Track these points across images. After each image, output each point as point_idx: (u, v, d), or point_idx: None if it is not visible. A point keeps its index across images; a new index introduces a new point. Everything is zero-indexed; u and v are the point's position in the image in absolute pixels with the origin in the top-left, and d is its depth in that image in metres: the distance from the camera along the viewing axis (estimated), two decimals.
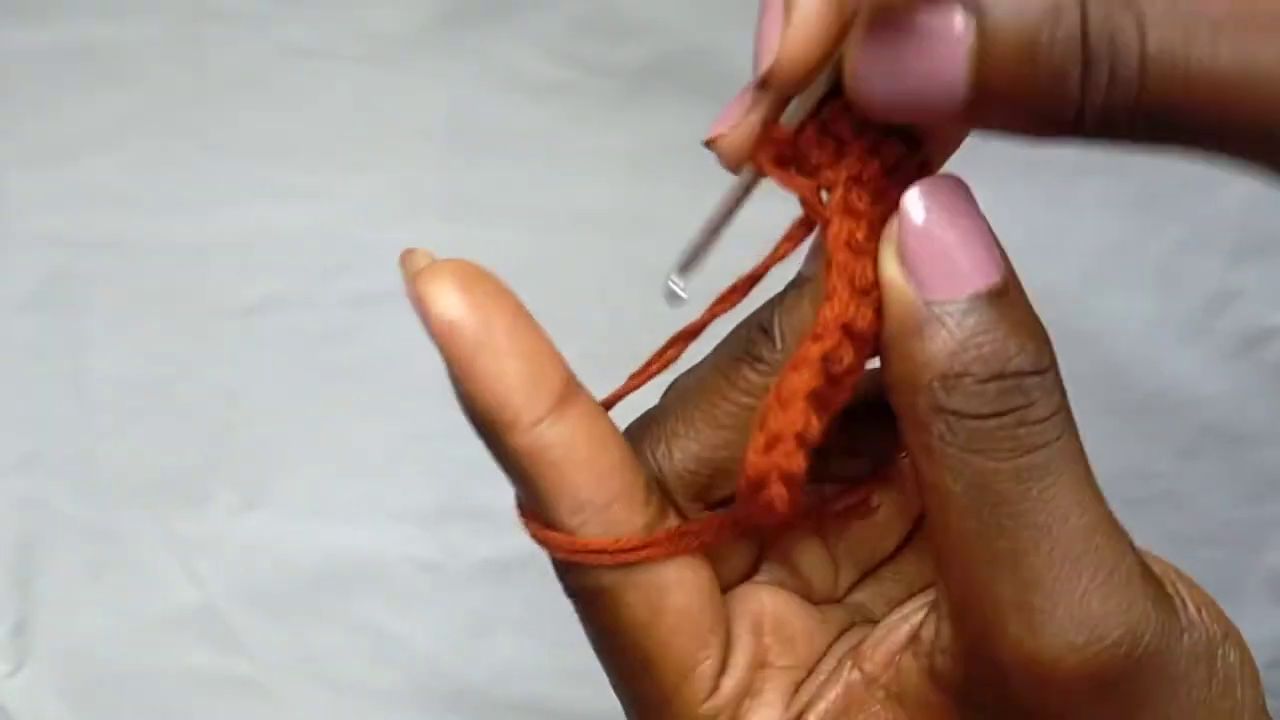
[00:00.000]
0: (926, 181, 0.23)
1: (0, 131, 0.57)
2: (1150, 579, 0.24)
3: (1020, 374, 0.22)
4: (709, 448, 0.26)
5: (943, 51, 0.21)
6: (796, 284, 0.26)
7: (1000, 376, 0.22)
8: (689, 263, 0.25)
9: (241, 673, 0.60)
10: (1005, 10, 0.20)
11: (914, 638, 0.26)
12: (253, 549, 0.59)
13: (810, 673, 0.27)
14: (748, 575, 0.28)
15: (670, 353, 0.27)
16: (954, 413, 0.23)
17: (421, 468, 0.59)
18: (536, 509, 0.25)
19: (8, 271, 0.58)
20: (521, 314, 0.24)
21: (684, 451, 0.26)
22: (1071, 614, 0.23)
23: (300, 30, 0.56)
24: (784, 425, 0.23)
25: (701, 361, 0.27)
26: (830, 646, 0.28)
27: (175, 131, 0.57)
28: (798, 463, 0.23)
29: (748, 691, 0.26)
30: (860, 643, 0.26)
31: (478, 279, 0.24)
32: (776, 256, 0.25)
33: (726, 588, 0.27)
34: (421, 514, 0.59)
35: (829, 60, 0.23)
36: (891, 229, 0.23)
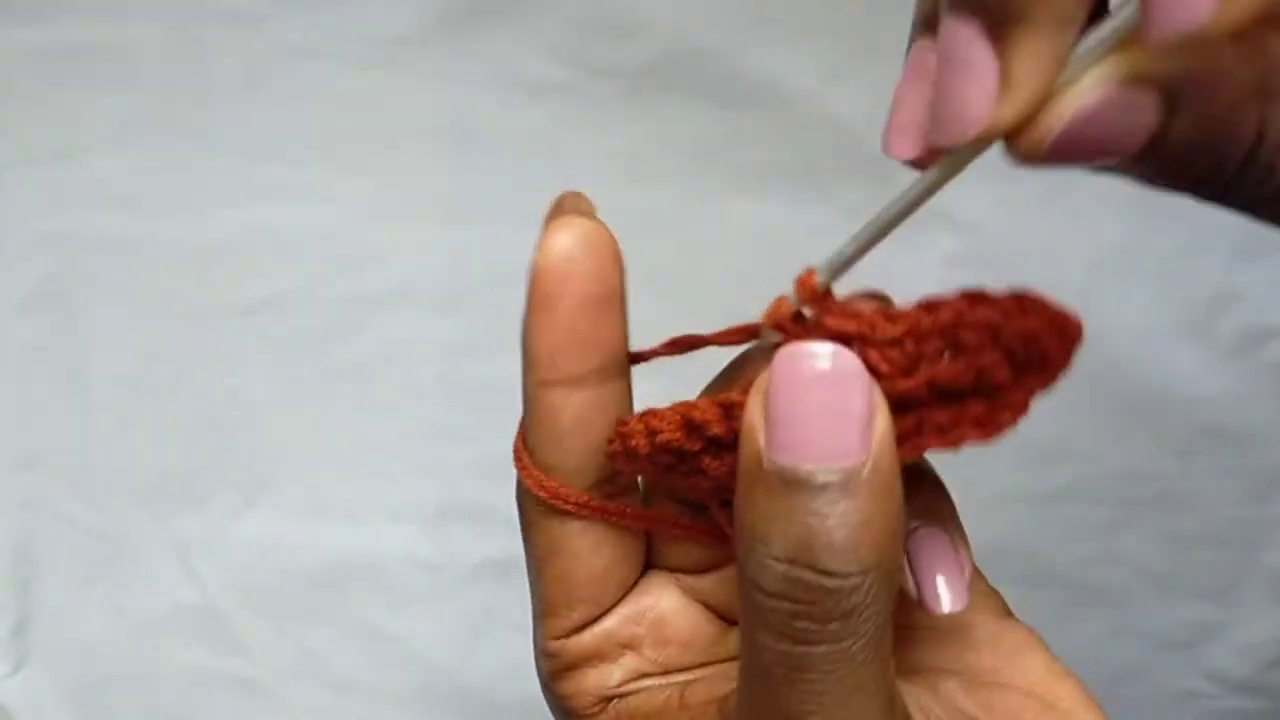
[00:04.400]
0: (803, 344, 0.22)
1: (0, 131, 0.57)
2: None
3: (816, 569, 0.21)
4: None
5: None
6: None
7: (793, 562, 0.21)
8: (841, 267, 0.25)
9: (241, 673, 0.60)
10: None
11: (726, 698, 0.27)
12: (253, 549, 0.59)
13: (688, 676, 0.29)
14: (691, 572, 0.29)
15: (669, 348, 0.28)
16: (745, 574, 0.22)
17: (421, 468, 0.59)
18: (525, 435, 0.27)
19: (8, 271, 0.58)
20: (606, 296, 0.25)
21: None
22: None
23: (300, 30, 0.56)
24: (654, 416, 0.25)
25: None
26: (722, 663, 0.29)
27: (175, 131, 0.57)
28: (636, 442, 0.26)
29: (597, 655, 0.28)
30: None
31: (599, 247, 0.25)
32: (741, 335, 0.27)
33: (673, 570, 0.29)
34: (421, 514, 0.59)
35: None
36: (764, 373, 0.22)
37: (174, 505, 0.59)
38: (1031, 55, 0.21)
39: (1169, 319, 0.58)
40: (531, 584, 0.29)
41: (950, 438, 0.22)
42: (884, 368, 0.22)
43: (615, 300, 0.26)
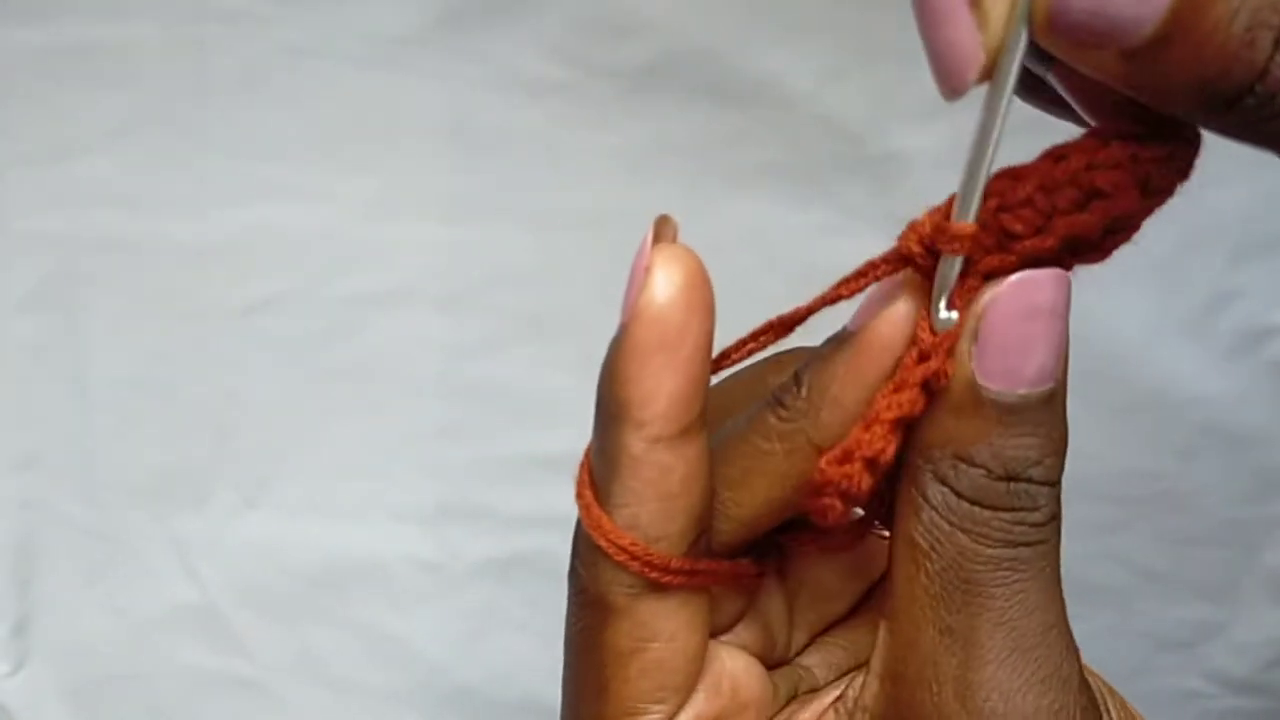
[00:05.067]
0: (1028, 273, 0.23)
1: (0, 131, 0.57)
2: (1085, 689, 0.25)
3: (1032, 482, 0.23)
4: (718, 486, 0.25)
5: None
6: (836, 339, 0.25)
7: (1014, 479, 0.23)
8: (972, 210, 0.23)
9: (241, 673, 0.60)
10: None
11: (840, 696, 0.26)
12: (253, 549, 0.59)
13: None
14: (726, 629, 0.28)
15: (764, 339, 0.27)
16: (957, 491, 0.23)
17: (421, 468, 0.59)
18: (601, 496, 0.25)
19: (8, 271, 0.58)
20: (708, 341, 0.24)
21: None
22: (1006, 700, 0.23)
23: (300, 30, 0.56)
24: (860, 444, 0.23)
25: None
26: (778, 714, 0.28)
27: (175, 131, 0.57)
28: (862, 482, 0.23)
29: None
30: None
31: (702, 286, 0.23)
32: (874, 277, 0.24)
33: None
34: (421, 514, 0.59)
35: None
36: (979, 302, 0.23)
37: (174, 505, 0.59)
38: None
39: (1169, 319, 0.58)
40: (591, 689, 0.25)
41: (1068, 265, 0.23)
42: (1018, 228, 0.22)
43: (711, 336, 0.24)
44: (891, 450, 0.23)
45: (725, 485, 0.26)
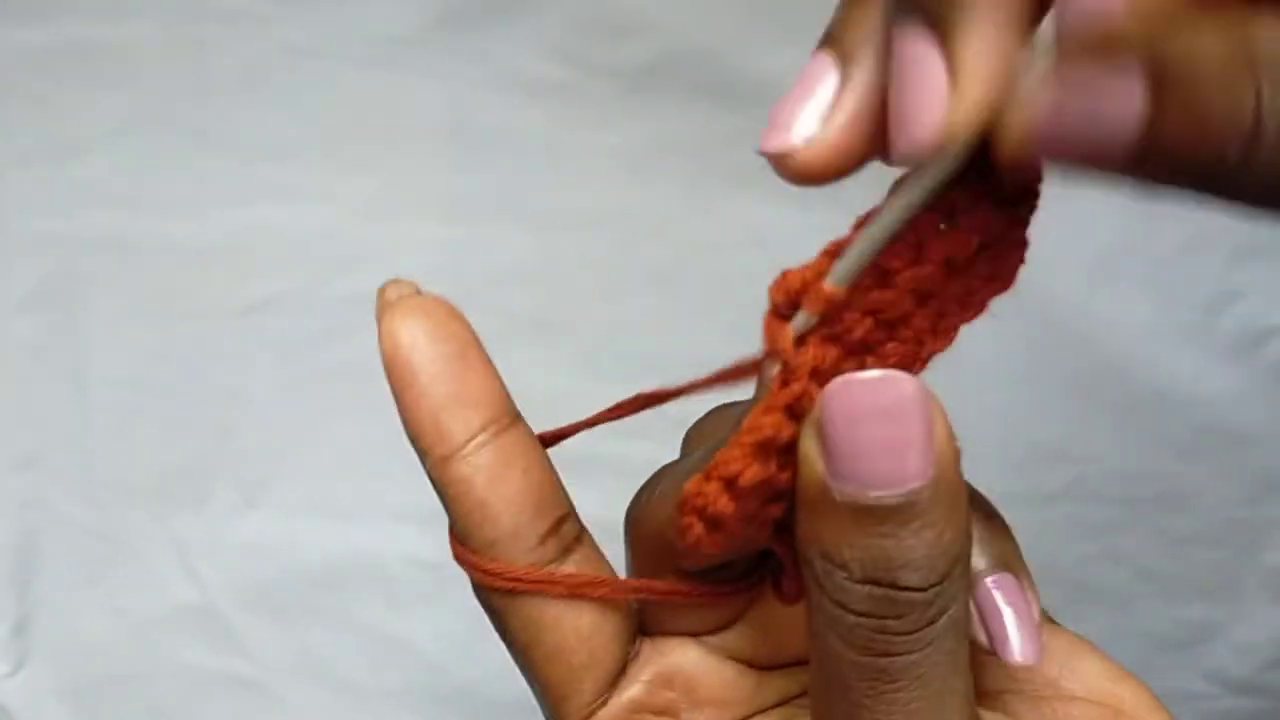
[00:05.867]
0: (855, 376, 0.21)
1: (0, 131, 0.57)
2: None
3: (897, 587, 0.22)
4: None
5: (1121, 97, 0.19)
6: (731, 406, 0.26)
7: (875, 583, 0.22)
8: (847, 277, 0.23)
9: (241, 673, 0.60)
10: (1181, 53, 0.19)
11: None
12: (253, 549, 0.59)
13: None
14: (710, 633, 0.28)
15: (627, 407, 0.27)
16: (824, 591, 0.22)
17: (421, 468, 0.59)
18: (455, 532, 0.27)
19: (8, 271, 0.58)
20: (464, 351, 0.26)
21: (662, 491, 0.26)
22: None
23: (300, 30, 0.56)
24: (719, 464, 0.23)
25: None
26: (764, 712, 0.28)
27: (175, 131, 0.57)
28: (721, 505, 0.23)
29: None
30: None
31: (433, 310, 0.26)
32: (742, 373, 0.24)
33: (681, 636, 0.28)
34: (421, 514, 0.59)
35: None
36: (818, 404, 0.22)
37: (174, 505, 0.59)
38: (976, 47, 0.20)
39: (1169, 319, 0.58)
40: (529, 681, 0.28)
41: (977, 301, 0.23)
42: (895, 263, 0.22)
43: (472, 350, 0.26)
44: (750, 474, 0.22)
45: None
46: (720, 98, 0.56)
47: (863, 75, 0.22)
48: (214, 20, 0.56)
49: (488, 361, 0.27)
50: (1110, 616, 0.60)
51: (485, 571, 0.26)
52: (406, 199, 0.58)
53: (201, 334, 0.58)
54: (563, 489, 0.27)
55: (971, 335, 0.24)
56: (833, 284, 0.22)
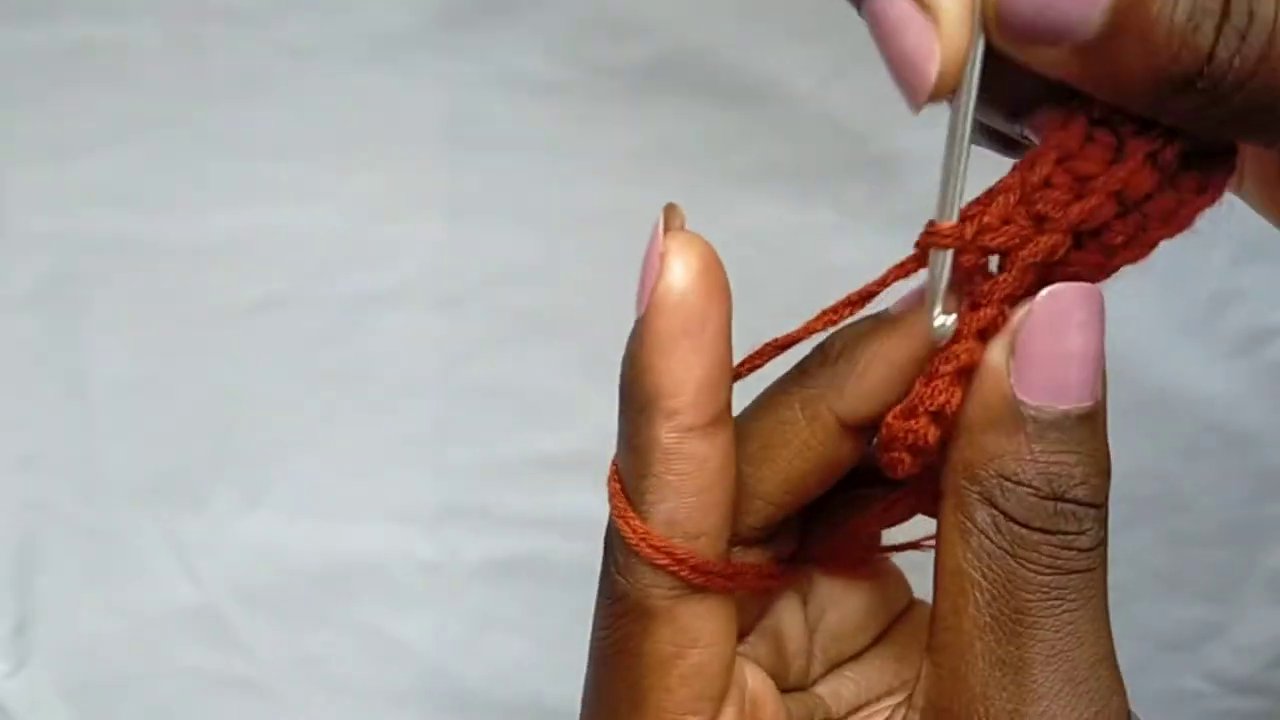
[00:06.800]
0: (1063, 286, 0.23)
1: (0, 131, 0.57)
2: None
3: (1078, 503, 0.23)
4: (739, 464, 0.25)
5: None
6: (876, 318, 0.25)
7: (1060, 499, 0.23)
8: (947, 205, 0.23)
9: (241, 673, 0.60)
10: None
11: None
12: (253, 549, 0.59)
13: None
14: (740, 638, 0.27)
15: (761, 356, 0.26)
16: (1005, 513, 0.23)
17: (421, 468, 0.59)
18: (634, 496, 0.24)
19: (8, 271, 0.58)
20: (729, 324, 0.23)
21: None
22: None
23: (300, 30, 0.56)
24: (924, 398, 0.23)
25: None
26: None
27: (175, 131, 0.57)
28: (928, 434, 0.23)
29: None
30: None
31: (718, 271, 0.23)
32: (885, 283, 0.24)
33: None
34: (421, 514, 0.59)
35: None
36: (1015, 318, 0.23)
37: (174, 505, 0.59)
38: None
39: (1169, 319, 0.58)
40: (626, 700, 0.24)
41: (1184, 215, 0.23)
42: (1051, 210, 0.22)
43: (730, 322, 0.23)
44: (956, 401, 0.23)
45: (746, 462, 0.25)
46: (721, 98, 0.56)
47: None
48: (214, 20, 0.56)
49: (731, 341, 0.24)
50: (1111, 616, 0.60)
51: (685, 562, 0.23)
52: (406, 199, 0.58)
53: (201, 334, 0.58)
54: None
55: None
56: (946, 220, 0.23)
